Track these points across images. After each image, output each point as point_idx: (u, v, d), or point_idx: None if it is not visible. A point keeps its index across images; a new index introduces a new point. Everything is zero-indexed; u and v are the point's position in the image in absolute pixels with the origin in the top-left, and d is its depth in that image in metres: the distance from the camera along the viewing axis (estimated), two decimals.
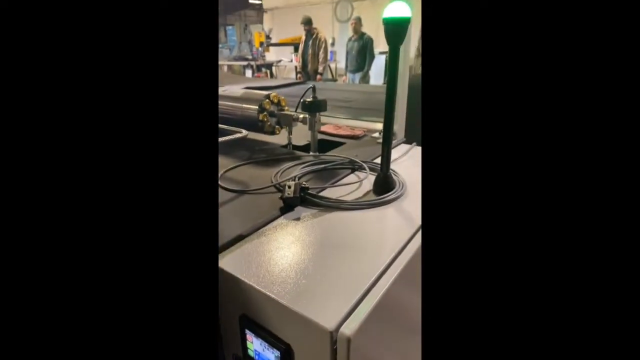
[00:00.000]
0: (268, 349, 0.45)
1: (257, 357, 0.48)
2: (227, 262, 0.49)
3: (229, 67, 6.91)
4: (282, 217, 0.61)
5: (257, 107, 0.92)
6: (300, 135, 1.03)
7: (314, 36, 4.51)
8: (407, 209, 0.64)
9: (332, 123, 1.25)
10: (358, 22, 4.35)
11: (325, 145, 1.05)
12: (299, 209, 0.64)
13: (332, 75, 5.86)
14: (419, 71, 2.29)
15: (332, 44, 6.06)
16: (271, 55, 7.12)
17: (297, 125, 0.94)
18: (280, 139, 1.01)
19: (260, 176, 0.77)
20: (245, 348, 0.49)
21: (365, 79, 4.44)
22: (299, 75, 5.02)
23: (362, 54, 4.38)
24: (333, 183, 0.74)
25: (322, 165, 0.81)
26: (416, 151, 0.96)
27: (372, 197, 0.67)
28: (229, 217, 0.60)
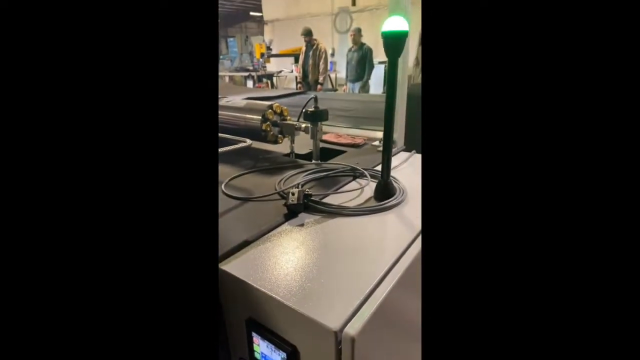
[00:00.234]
0: (274, 351, 0.47)
1: (263, 359, 0.49)
2: (234, 266, 0.51)
3: (231, 78, 7.00)
4: (287, 223, 0.63)
5: (260, 117, 0.95)
6: (303, 144, 1.05)
7: (314, 47, 4.58)
8: (408, 215, 0.66)
9: (333, 132, 1.28)
10: (357, 33, 4.42)
11: (327, 153, 1.07)
12: (302, 215, 0.65)
13: (332, 85, 5.93)
14: (419, 80, 2.32)
15: (332, 55, 6.14)
16: (272, 66, 7.23)
17: (300, 134, 0.96)
18: (282, 147, 1.04)
19: (264, 184, 0.78)
20: (252, 351, 0.50)
21: (365, 88, 4.49)
22: (299, 85, 5.08)
23: (362, 64, 4.44)
24: (335, 190, 0.76)
25: (324, 173, 0.83)
26: (415, 159, 0.98)
27: (373, 203, 0.69)
28: (235, 223, 0.62)
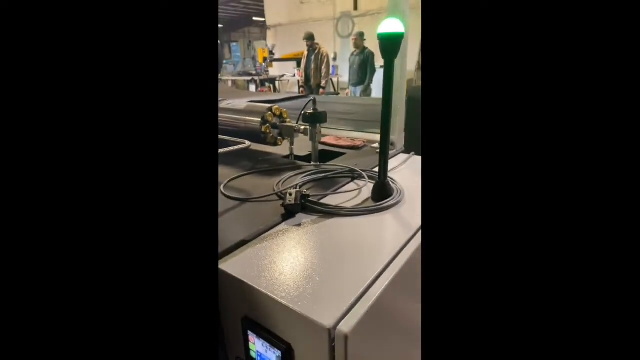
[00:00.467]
0: (270, 349, 0.47)
1: (259, 358, 0.49)
2: (230, 265, 0.51)
3: (234, 82, 7.06)
4: (284, 223, 0.63)
5: (259, 119, 0.95)
6: (302, 146, 1.06)
7: (316, 51, 4.62)
8: (404, 215, 0.66)
9: (333, 135, 1.28)
10: (359, 37, 4.45)
11: (326, 155, 1.08)
12: (299, 215, 0.66)
13: (335, 89, 5.96)
14: (420, 83, 2.33)
15: (334, 59, 6.18)
16: (274, 71, 7.28)
17: (299, 136, 0.97)
18: (282, 149, 1.04)
19: (262, 185, 0.79)
20: (247, 349, 0.50)
21: (366, 92, 4.51)
22: (301, 89, 5.11)
23: (364, 68, 4.47)
24: (333, 191, 0.76)
25: (323, 174, 0.83)
26: (414, 160, 0.98)
27: (370, 203, 0.70)
28: (233, 223, 0.62)
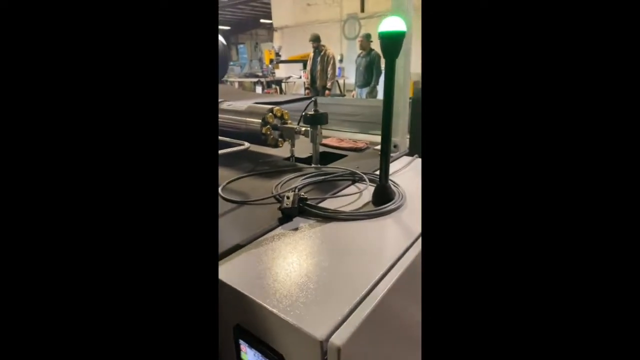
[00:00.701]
0: (261, 359, 0.45)
1: None
2: (223, 271, 0.49)
3: (240, 83, 7.09)
4: (280, 227, 0.62)
5: (260, 120, 0.94)
6: (303, 147, 1.04)
7: (322, 53, 4.61)
8: (406, 220, 0.64)
9: (335, 136, 1.26)
10: (365, 39, 4.43)
11: (328, 157, 1.06)
12: (297, 219, 0.64)
13: (341, 91, 5.95)
14: None
15: (341, 61, 6.17)
16: (281, 72, 7.30)
17: (300, 138, 0.95)
18: (283, 151, 1.03)
19: (262, 187, 0.77)
20: (239, 359, 0.48)
21: (372, 93, 4.48)
22: (307, 91, 5.11)
23: (369, 70, 4.44)
24: (333, 194, 0.74)
25: (323, 177, 0.82)
26: (417, 163, 0.96)
27: (370, 207, 0.67)
28: (228, 227, 0.61)
